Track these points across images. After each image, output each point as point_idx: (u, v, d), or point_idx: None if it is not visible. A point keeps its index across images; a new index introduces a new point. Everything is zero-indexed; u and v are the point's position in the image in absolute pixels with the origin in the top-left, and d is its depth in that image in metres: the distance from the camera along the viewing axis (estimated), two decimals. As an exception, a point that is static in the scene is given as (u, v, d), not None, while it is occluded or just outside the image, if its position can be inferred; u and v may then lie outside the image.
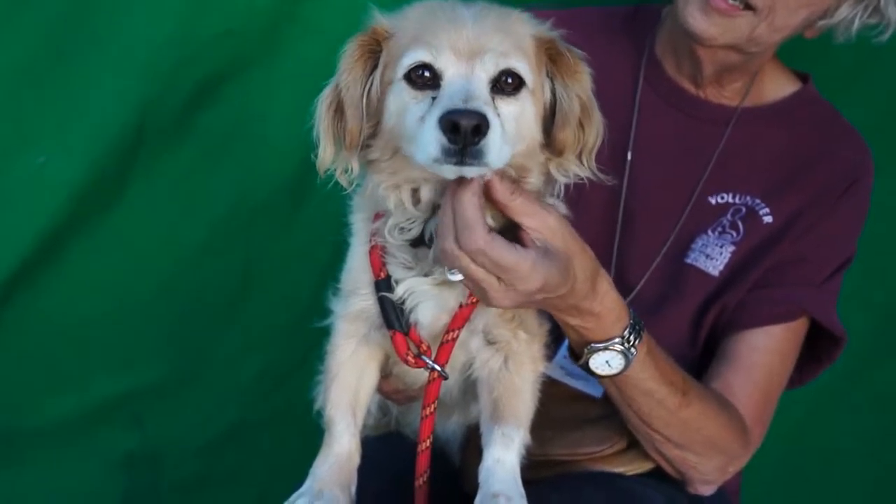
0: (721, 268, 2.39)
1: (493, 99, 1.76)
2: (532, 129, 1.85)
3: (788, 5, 2.21)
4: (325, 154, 1.87)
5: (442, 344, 1.98)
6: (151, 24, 2.91)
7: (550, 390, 2.13)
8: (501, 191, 1.80)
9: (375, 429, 2.42)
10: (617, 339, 2.03)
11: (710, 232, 2.41)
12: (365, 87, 1.86)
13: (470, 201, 1.76)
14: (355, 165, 1.89)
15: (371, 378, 2.11)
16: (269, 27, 2.98)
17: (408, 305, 1.96)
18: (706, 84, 2.46)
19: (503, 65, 1.76)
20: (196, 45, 2.94)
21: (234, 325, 3.29)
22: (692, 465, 2.28)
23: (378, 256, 1.96)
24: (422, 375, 2.06)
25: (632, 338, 2.04)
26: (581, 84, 1.87)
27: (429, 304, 1.96)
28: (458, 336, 1.97)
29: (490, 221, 1.83)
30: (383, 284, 1.96)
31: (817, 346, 2.45)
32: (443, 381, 2.03)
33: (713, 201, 2.43)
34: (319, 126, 1.88)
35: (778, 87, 2.52)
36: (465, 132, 1.64)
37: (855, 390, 3.19)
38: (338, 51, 2.97)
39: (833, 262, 2.41)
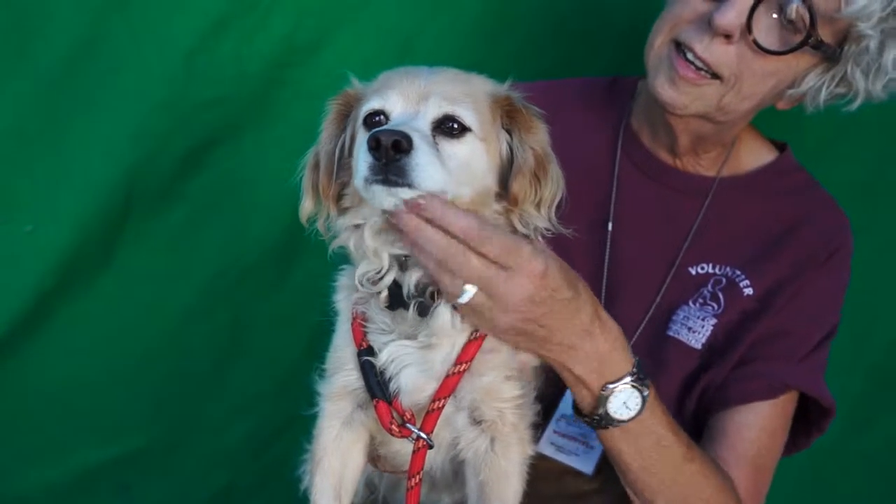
0: (703, 340, 2.37)
1: (435, 137, 1.86)
2: (482, 174, 1.92)
3: (755, 73, 2.23)
4: (305, 205, 2.02)
5: (428, 412, 1.97)
6: (142, 90, 2.94)
7: (539, 467, 2.12)
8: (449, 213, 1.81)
9: (363, 507, 2.40)
10: (629, 376, 2.00)
11: (691, 303, 2.41)
12: (338, 143, 2.00)
13: (443, 206, 1.80)
14: (333, 212, 1.99)
15: (357, 461, 2.10)
16: (258, 92, 3.02)
17: (391, 371, 1.96)
18: (682, 154, 2.47)
19: (446, 109, 1.87)
20: (186, 110, 2.97)
21: (221, 389, 3.27)
22: None
23: (359, 327, 1.98)
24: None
25: (641, 373, 2.02)
26: (535, 137, 1.96)
27: (412, 369, 1.96)
28: (444, 405, 1.96)
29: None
30: (365, 353, 1.97)
31: (808, 415, 2.43)
32: (430, 461, 2.03)
33: (693, 272, 2.43)
34: (302, 180, 2.03)
35: (755, 156, 2.54)
36: (384, 147, 1.73)
37: (846, 452, 3.18)
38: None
39: (816, 334, 2.40)
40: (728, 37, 2.17)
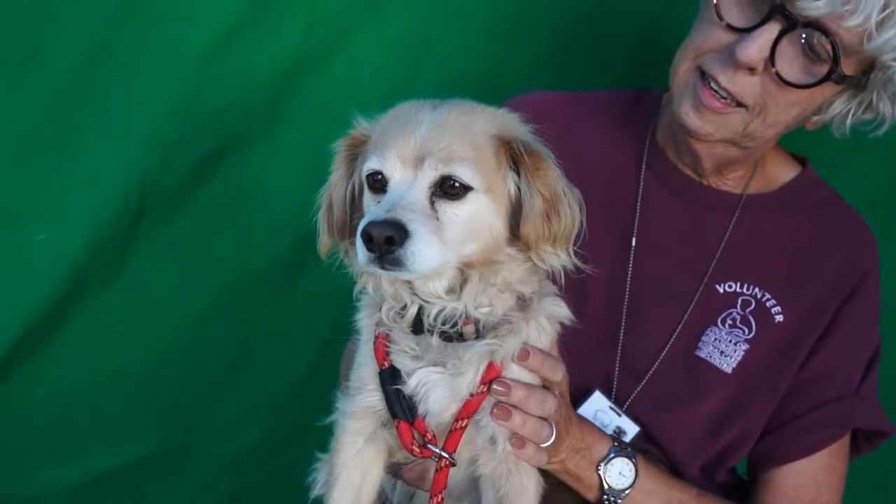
0: (734, 365, 2.36)
1: (435, 203, 1.81)
2: (490, 227, 1.88)
3: (779, 103, 2.20)
4: (323, 243, 2.03)
5: (451, 432, 1.97)
6: (155, 98, 2.96)
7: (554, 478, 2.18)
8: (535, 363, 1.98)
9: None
10: (612, 451, 2.20)
11: (720, 324, 2.39)
12: (348, 184, 1.99)
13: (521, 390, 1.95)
14: (351, 249, 1.98)
15: (375, 477, 2.10)
16: (270, 100, 3.03)
17: (419, 395, 1.96)
18: (707, 175, 2.45)
19: (444, 170, 1.81)
20: (198, 117, 2.99)
21: (232, 394, 3.28)
22: None
23: (382, 346, 1.98)
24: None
25: (622, 444, 2.22)
26: (544, 180, 1.89)
27: (440, 392, 1.96)
28: (467, 425, 1.97)
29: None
30: (387, 374, 1.97)
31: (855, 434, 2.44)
32: (449, 476, 2.02)
33: (721, 290, 2.41)
34: (318, 220, 2.03)
35: (779, 172, 2.51)
36: (377, 242, 1.72)
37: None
38: (337, 124, 3.05)
39: (861, 362, 2.39)
40: (752, 69, 2.13)
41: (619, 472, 2.19)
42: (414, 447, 1.98)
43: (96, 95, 2.96)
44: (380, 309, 1.98)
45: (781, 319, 2.38)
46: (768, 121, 2.22)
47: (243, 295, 3.18)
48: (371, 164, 1.86)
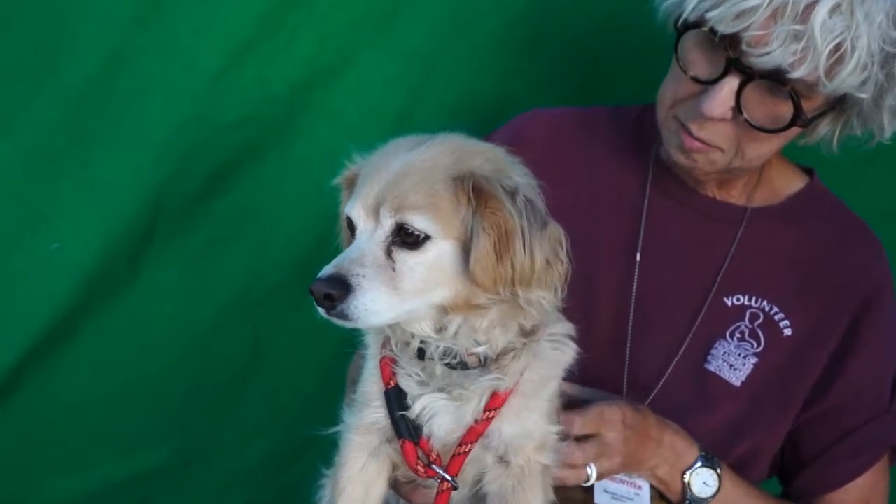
0: (743, 378, 2.36)
1: (393, 252, 1.80)
2: (453, 275, 1.82)
3: (754, 140, 2.21)
4: None
5: (454, 456, 1.97)
6: (167, 110, 2.97)
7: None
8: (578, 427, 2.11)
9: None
10: (700, 459, 2.26)
11: (728, 337, 2.39)
12: None
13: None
14: None
15: (379, 490, 2.10)
16: (282, 114, 3.03)
17: (423, 419, 1.96)
18: (712, 188, 2.47)
19: (398, 219, 1.79)
20: (211, 130, 3.00)
21: (241, 407, 3.28)
22: None
23: (388, 367, 1.98)
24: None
25: (709, 454, 2.27)
26: (491, 218, 1.78)
27: (445, 417, 1.96)
28: (471, 450, 1.96)
29: None
30: (392, 393, 1.97)
31: None
32: (454, 494, 2.03)
33: (729, 303, 2.41)
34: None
35: (786, 183, 2.52)
36: (318, 299, 1.77)
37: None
38: (350, 136, 3.05)
39: (888, 378, 2.40)
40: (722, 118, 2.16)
41: (703, 482, 2.25)
42: (419, 467, 1.98)
43: (110, 107, 2.97)
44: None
45: (790, 333, 2.38)
46: (748, 156, 2.25)
47: (255, 307, 3.18)
48: (346, 210, 1.88)
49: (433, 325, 1.89)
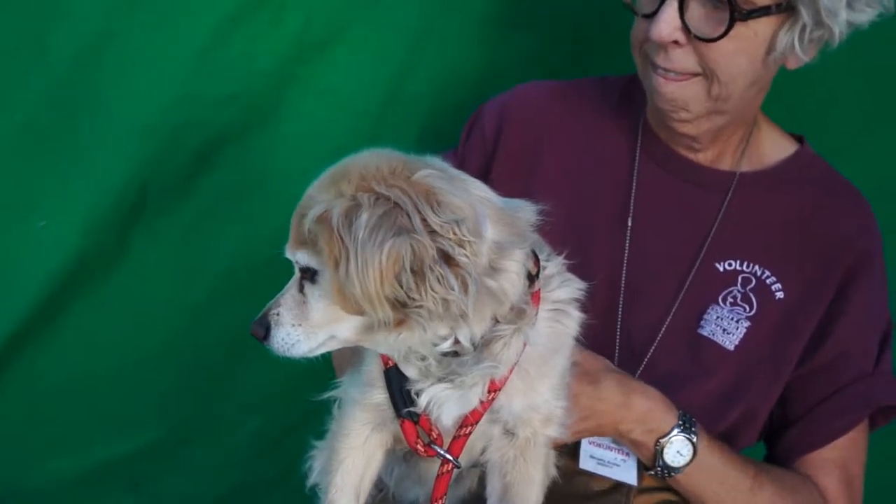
0: (737, 342, 2.38)
1: (304, 287, 1.86)
2: None
3: (720, 58, 2.22)
4: None
5: (456, 438, 1.97)
6: (154, 86, 2.94)
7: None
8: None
9: (372, 506, 2.41)
10: (676, 428, 2.24)
11: (721, 302, 2.40)
12: None
13: None
14: None
15: (377, 463, 2.11)
16: (270, 89, 3.02)
17: (431, 412, 1.94)
18: (706, 148, 2.48)
19: (293, 257, 1.87)
20: (199, 106, 2.98)
21: (233, 386, 3.27)
22: None
23: None
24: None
25: (688, 423, 2.25)
26: (328, 248, 1.74)
27: (452, 406, 1.93)
28: (472, 431, 1.96)
29: None
30: (392, 372, 1.96)
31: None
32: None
33: (720, 268, 2.42)
34: None
35: (775, 149, 2.53)
36: (256, 338, 1.92)
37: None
38: (340, 111, 3.05)
39: (874, 342, 2.42)
40: (676, 42, 2.22)
41: (676, 451, 2.24)
42: (419, 446, 1.99)
43: (96, 84, 2.94)
44: None
45: (782, 296, 2.39)
46: (723, 78, 2.25)
47: (244, 285, 3.14)
48: None
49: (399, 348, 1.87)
